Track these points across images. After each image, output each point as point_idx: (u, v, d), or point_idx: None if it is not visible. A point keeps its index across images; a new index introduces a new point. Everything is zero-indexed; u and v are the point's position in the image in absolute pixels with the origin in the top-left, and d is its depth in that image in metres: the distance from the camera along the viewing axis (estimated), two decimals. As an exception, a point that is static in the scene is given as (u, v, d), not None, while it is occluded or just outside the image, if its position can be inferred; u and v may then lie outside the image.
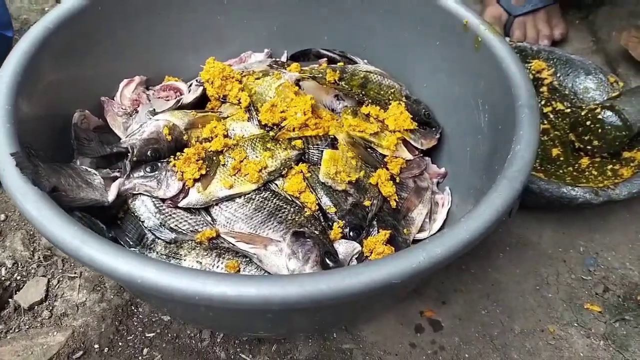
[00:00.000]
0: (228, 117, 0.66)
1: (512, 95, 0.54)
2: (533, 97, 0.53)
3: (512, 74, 0.55)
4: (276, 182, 0.60)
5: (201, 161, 0.58)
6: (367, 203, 0.59)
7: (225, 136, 0.63)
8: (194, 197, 0.57)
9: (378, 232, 0.57)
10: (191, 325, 0.60)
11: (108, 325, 0.60)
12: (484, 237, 0.42)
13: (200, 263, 0.53)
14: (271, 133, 0.63)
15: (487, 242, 0.70)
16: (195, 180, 0.57)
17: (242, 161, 0.60)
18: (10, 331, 0.60)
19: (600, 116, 0.72)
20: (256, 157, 0.60)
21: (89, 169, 0.59)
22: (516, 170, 0.46)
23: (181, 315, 0.58)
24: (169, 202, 0.58)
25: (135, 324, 0.61)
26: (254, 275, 0.52)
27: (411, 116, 0.66)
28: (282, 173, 0.60)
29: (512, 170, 0.46)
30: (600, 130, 0.72)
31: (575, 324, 0.63)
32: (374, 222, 0.58)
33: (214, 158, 0.60)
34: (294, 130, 0.63)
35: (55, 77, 0.59)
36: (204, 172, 0.58)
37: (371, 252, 0.55)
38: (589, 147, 0.74)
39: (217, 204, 0.58)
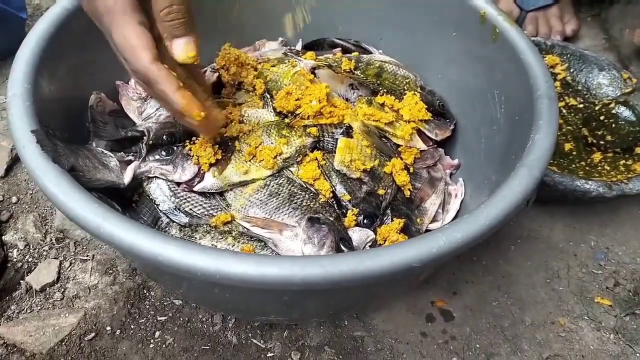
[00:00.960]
0: (243, 103, 0.66)
1: (530, 86, 0.54)
2: (552, 87, 0.53)
3: (531, 65, 0.55)
4: (291, 169, 0.60)
5: (217, 146, 0.58)
6: (381, 192, 0.59)
7: (240, 122, 0.63)
8: (210, 181, 0.57)
9: (392, 220, 0.57)
10: (204, 308, 0.60)
11: (120, 307, 0.60)
12: (503, 224, 0.42)
13: (215, 247, 0.53)
14: (286, 120, 0.63)
15: (498, 234, 0.70)
16: (211, 165, 0.58)
17: (257, 147, 0.60)
18: (22, 312, 0.61)
19: (614, 111, 0.72)
20: (271, 143, 0.60)
21: (105, 151, 0.60)
22: (535, 159, 0.46)
23: (195, 297, 0.58)
24: (184, 186, 0.58)
25: (147, 307, 0.61)
26: (274, 255, 0.52)
27: (426, 107, 0.66)
28: (297, 160, 0.60)
29: (532, 158, 0.46)
30: (614, 125, 0.72)
31: (586, 317, 0.63)
32: (388, 211, 0.58)
33: (230, 143, 0.60)
34: (308, 117, 0.63)
35: (73, 59, 0.59)
36: (219, 157, 0.58)
37: (385, 240, 0.55)
38: (602, 142, 0.74)
39: (231, 189, 0.58)
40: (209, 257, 0.37)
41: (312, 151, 0.61)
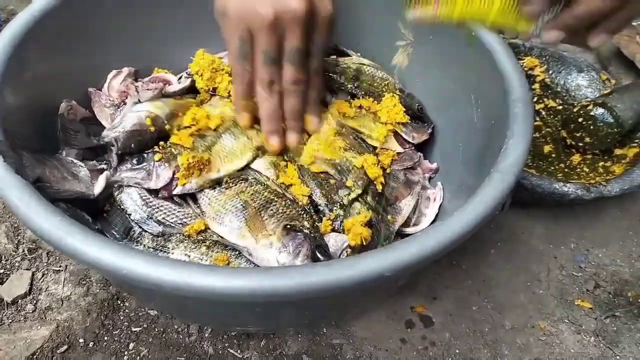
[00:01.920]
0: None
1: (505, 90, 0.53)
2: (526, 91, 0.53)
3: (506, 68, 0.55)
4: (266, 174, 0.60)
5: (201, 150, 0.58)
6: (349, 184, 0.58)
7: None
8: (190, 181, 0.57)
9: (358, 213, 0.56)
10: (179, 319, 0.59)
11: (93, 319, 0.59)
12: (476, 230, 0.41)
13: (189, 256, 0.52)
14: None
15: (478, 238, 0.69)
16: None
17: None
18: (-7, 325, 0.59)
19: (592, 113, 0.72)
20: (243, 137, 0.60)
21: (75, 161, 0.58)
22: (509, 164, 0.46)
23: (168, 309, 0.57)
24: (163, 191, 0.57)
25: (121, 318, 0.59)
26: (243, 267, 0.51)
27: (404, 110, 0.66)
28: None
29: (505, 163, 0.46)
30: (592, 127, 0.72)
31: (566, 320, 0.63)
32: (355, 204, 0.57)
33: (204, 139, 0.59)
34: None
35: (41, 67, 0.58)
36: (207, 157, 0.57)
37: (349, 232, 0.54)
38: (580, 144, 0.74)
39: (206, 196, 0.57)
40: (175, 271, 0.36)
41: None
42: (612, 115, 0.71)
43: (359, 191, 0.58)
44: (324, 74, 0.64)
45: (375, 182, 0.60)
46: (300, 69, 0.54)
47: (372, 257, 0.38)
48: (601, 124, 0.71)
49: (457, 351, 0.58)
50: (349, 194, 0.58)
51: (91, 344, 0.57)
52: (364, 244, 0.53)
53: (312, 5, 0.50)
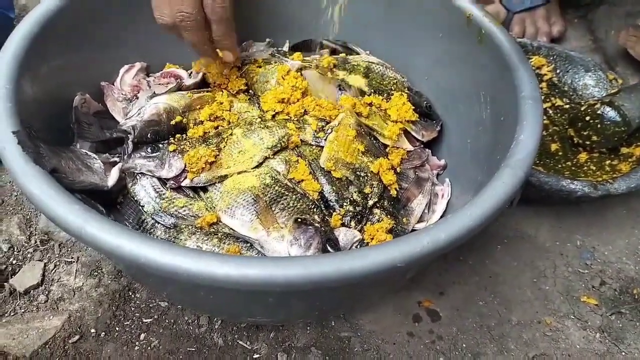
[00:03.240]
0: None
1: (515, 87, 0.54)
2: (536, 89, 0.53)
3: (516, 66, 0.55)
4: (278, 168, 0.60)
5: (212, 145, 0.59)
6: (367, 190, 0.59)
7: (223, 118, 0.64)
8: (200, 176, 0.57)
9: (379, 220, 0.57)
10: (190, 310, 0.60)
11: (105, 310, 0.60)
12: (486, 224, 0.42)
13: (201, 248, 0.53)
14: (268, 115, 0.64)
15: (485, 234, 0.70)
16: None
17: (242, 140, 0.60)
18: (6, 315, 0.60)
19: (599, 111, 0.72)
20: (256, 135, 0.61)
21: (89, 153, 0.59)
22: (519, 159, 0.46)
23: (180, 299, 0.58)
24: (172, 182, 0.58)
25: (132, 309, 0.60)
26: (258, 256, 0.52)
27: (413, 108, 0.66)
28: (278, 149, 0.61)
29: (516, 158, 0.46)
30: (599, 126, 0.72)
31: (572, 316, 0.63)
32: (376, 210, 0.58)
33: (216, 138, 0.60)
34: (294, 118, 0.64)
35: (57, 60, 0.59)
36: (213, 158, 0.58)
37: (372, 239, 0.55)
38: (587, 143, 0.75)
39: (218, 190, 0.58)
40: (191, 259, 0.37)
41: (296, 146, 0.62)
42: (620, 114, 0.71)
43: (376, 199, 0.59)
44: None
45: (389, 188, 0.61)
46: None
47: (385, 248, 0.39)
48: (608, 122, 0.72)
49: (464, 345, 0.59)
50: (362, 196, 0.58)
51: (103, 334, 0.58)
52: None
53: None
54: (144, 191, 0.57)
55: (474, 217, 0.42)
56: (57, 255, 0.65)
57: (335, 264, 0.37)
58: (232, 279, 0.37)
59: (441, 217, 0.63)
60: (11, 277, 0.63)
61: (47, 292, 0.62)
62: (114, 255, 0.39)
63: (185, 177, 0.59)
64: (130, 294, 0.61)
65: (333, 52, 0.77)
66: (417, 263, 0.40)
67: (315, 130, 0.63)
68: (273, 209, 0.55)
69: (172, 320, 0.59)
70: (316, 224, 0.54)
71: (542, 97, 0.85)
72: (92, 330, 0.58)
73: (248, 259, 0.38)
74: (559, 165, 0.75)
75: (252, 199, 0.56)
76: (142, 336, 0.58)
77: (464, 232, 0.41)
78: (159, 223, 0.56)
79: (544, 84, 0.86)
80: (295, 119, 0.64)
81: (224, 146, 0.61)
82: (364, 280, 0.39)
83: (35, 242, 0.67)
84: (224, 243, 0.53)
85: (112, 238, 0.38)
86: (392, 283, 0.56)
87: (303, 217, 0.54)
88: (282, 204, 0.56)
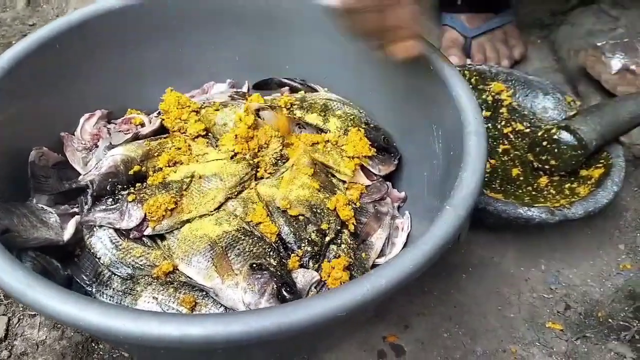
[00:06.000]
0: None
1: (461, 122, 0.55)
2: (481, 123, 0.54)
3: (461, 100, 0.56)
4: (236, 212, 0.61)
5: (173, 191, 0.60)
6: (324, 226, 0.59)
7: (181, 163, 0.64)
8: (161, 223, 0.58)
9: (336, 256, 0.57)
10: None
11: (67, 363, 0.60)
12: (429, 265, 0.42)
13: (157, 298, 0.53)
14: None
15: (449, 264, 0.70)
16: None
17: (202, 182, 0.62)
18: (-32, 374, 0.59)
19: (556, 136, 0.74)
20: (216, 178, 0.61)
21: (45, 207, 0.59)
22: (461, 197, 0.47)
23: (138, 355, 0.58)
24: (134, 232, 0.59)
25: (95, 361, 0.60)
26: (198, 314, 0.52)
27: (370, 143, 0.67)
28: (238, 190, 0.62)
29: (458, 197, 0.47)
30: (556, 150, 0.74)
31: (537, 343, 0.63)
32: (333, 247, 0.59)
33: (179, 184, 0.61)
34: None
35: (11, 111, 0.59)
36: (172, 205, 0.59)
37: (328, 276, 0.55)
38: (546, 167, 0.76)
39: (175, 237, 0.58)
40: (129, 320, 0.37)
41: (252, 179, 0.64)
42: (576, 137, 0.72)
43: (333, 235, 0.59)
44: None
45: (347, 223, 0.61)
46: None
47: (326, 298, 0.39)
48: (565, 146, 0.73)
49: (428, 380, 0.59)
50: (321, 235, 0.59)
51: (65, 388, 0.58)
52: None
53: None
54: (101, 242, 0.58)
55: (415, 260, 0.42)
56: (21, 309, 0.65)
57: (276, 318, 0.38)
58: (173, 339, 0.37)
59: (402, 249, 0.63)
60: (-27, 334, 0.62)
61: (10, 347, 0.62)
62: (57, 320, 0.39)
63: (147, 226, 0.59)
64: (94, 345, 0.61)
65: (293, 89, 0.78)
66: (359, 310, 0.40)
67: (272, 164, 0.64)
68: (229, 254, 0.55)
69: (134, 371, 0.59)
70: (272, 269, 0.54)
71: (503, 122, 0.87)
72: (55, 386, 0.58)
73: (188, 317, 0.38)
74: (520, 191, 0.76)
75: (209, 245, 0.56)
76: (105, 389, 0.58)
77: (405, 276, 0.41)
78: (115, 274, 0.56)
79: (504, 109, 0.87)
80: (251, 156, 0.65)
81: (185, 191, 0.61)
82: (305, 331, 0.39)
83: (-1, 296, 0.66)
84: (180, 292, 0.54)
85: (53, 303, 0.38)
86: (350, 324, 0.56)
87: (258, 262, 0.55)
88: (238, 249, 0.56)
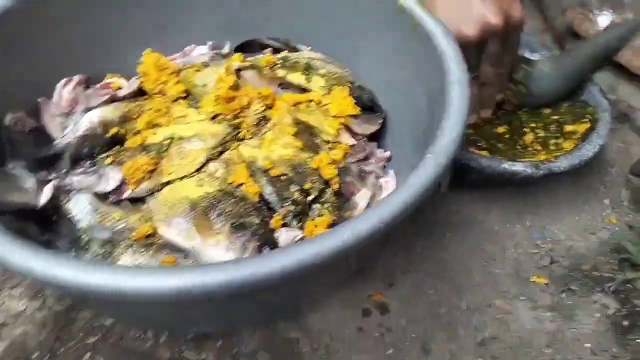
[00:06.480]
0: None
1: (444, 71, 0.54)
2: (463, 72, 0.53)
3: (444, 51, 0.55)
4: (217, 174, 0.60)
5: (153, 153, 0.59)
6: (307, 186, 0.58)
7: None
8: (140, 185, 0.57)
9: (319, 215, 0.57)
10: (127, 326, 0.59)
11: (48, 332, 0.59)
12: (410, 211, 0.42)
13: (136, 261, 0.52)
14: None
15: (433, 222, 0.70)
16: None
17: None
18: (-52, 345, 0.59)
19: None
20: (197, 139, 0.60)
21: (22, 172, 0.58)
22: (443, 145, 0.46)
23: (120, 317, 0.57)
24: (113, 195, 0.57)
25: (76, 329, 0.59)
26: (173, 266, 0.51)
27: (355, 101, 0.66)
28: (218, 150, 0.61)
29: (439, 145, 0.46)
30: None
31: (522, 297, 0.63)
32: (316, 206, 0.58)
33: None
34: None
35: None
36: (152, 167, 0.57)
37: (311, 234, 0.55)
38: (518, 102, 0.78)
39: (155, 200, 0.57)
40: (103, 275, 0.36)
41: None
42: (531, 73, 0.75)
43: (316, 193, 0.58)
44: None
45: (331, 182, 0.60)
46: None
47: (304, 246, 0.38)
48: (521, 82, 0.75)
49: (414, 335, 0.59)
50: (304, 194, 0.58)
51: (47, 357, 0.57)
52: None
53: (506, 16, 0.62)
54: (78, 207, 0.56)
55: (395, 207, 0.41)
56: (1, 280, 0.64)
57: (254, 266, 0.37)
58: (147, 292, 0.36)
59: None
60: (-47, 306, 0.61)
61: (-10, 319, 0.61)
62: (29, 277, 0.38)
63: (126, 189, 0.58)
64: (74, 314, 0.60)
65: (276, 50, 0.76)
66: (339, 258, 0.39)
67: (254, 125, 0.63)
68: (210, 215, 0.54)
69: (117, 337, 0.58)
70: (253, 227, 0.53)
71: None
72: (36, 354, 0.57)
73: (163, 269, 0.37)
74: (506, 146, 0.75)
75: (189, 206, 0.55)
76: (88, 355, 0.57)
77: (386, 222, 0.40)
78: (94, 238, 0.55)
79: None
80: (233, 117, 0.63)
81: (165, 152, 0.60)
82: (288, 279, 0.38)
83: (-22, 267, 0.65)
84: (160, 254, 0.53)
85: (23, 259, 0.37)
86: (331, 279, 0.55)
87: (240, 221, 0.54)
88: (220, 209, 0.55)
